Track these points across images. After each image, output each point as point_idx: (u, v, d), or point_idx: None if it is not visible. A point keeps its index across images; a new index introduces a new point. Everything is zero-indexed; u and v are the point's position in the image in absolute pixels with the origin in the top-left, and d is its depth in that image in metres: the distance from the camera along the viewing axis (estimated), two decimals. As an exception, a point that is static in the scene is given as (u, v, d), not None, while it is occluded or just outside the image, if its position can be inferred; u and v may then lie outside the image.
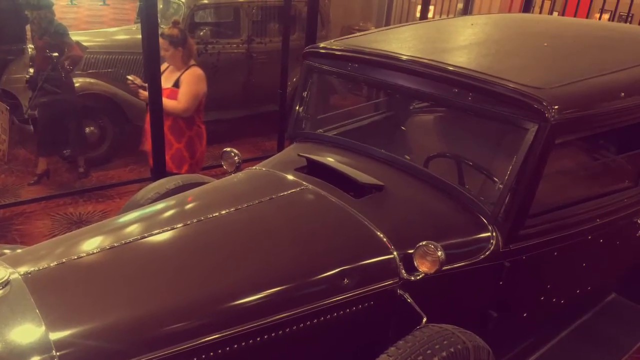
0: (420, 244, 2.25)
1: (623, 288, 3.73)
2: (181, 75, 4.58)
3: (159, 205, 2.66)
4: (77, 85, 5.98)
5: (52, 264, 2.07)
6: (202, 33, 7.08)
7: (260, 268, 2.23)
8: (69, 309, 1.95)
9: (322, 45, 3.27)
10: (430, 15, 7.73)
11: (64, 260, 2.10)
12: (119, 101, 6.36)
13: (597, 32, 3.70)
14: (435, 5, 9.60)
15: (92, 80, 6.26)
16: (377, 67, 2.97)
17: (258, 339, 2.07)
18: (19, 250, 2.34)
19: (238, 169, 3.08)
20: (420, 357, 2.02)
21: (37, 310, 1.87)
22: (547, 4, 8.57)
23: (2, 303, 1.89)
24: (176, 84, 4.55)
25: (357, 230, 2.44)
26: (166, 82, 4.52)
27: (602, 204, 2.96)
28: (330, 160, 2.88)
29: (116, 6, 17.49)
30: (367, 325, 2.37)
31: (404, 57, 2.89)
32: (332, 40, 3.38)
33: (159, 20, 4.53)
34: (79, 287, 2.05)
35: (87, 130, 6.29)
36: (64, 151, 6.11)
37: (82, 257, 2.13)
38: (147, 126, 4.49)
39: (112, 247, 2.20)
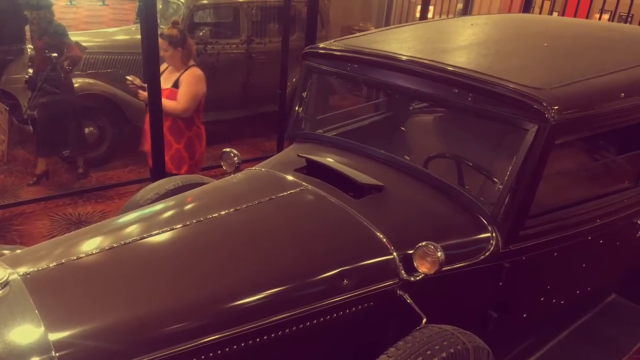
0: (420, 244, 2.24)
1: (623, 289, 3.72)
2: (180, 75, 4.58)
3: (159, 206, 2.66)
4: (76, 85, 5.97)
5: (51, 265, 2.07)
6: (201, 33, 7.06)
7: (259, 269, 2.23)
8: (69, 309, 1.95)
9: (321, 45, 3.27)
10: (430, 15, 7.73)
11: (63, 260, 2.10)
12: (119, 102, 6.35)
13: (597, 33, 3.70)
14: (435, 6, 9.60)
15: (91, 81, 6.26)
16: (376, 67, 2.97)
17: (258, 339, 2.07)
18: (18, 251, 2.34)
19: (237, 169, 3.08)
20: (420, 358, 2.01)
21: (37, 311, 1.87)
22: (547, 4, 8.57)
23: (2, 304, 1.88)
24: (175, 85, 4.55)
25: (356, 230, 2.44)
26: (165, 82, 4.51)
27: (602, 205, 2.95)
28: (329, 160, 2.87)
29: (115, 6, 17.48)
30: (366, 326, 2.37)
31: (404, 58, 2.89)
32: (331, 41, 3.37)
33: (159, 21, 4.52)
34: (79, 288, 2.04)
35: (87, 130, 6.28)
36: (63, 152, 6.10)
37: (81, 257, 2.13)
38: (147, 127, 4.48)
39: (111, 248, 2.19)
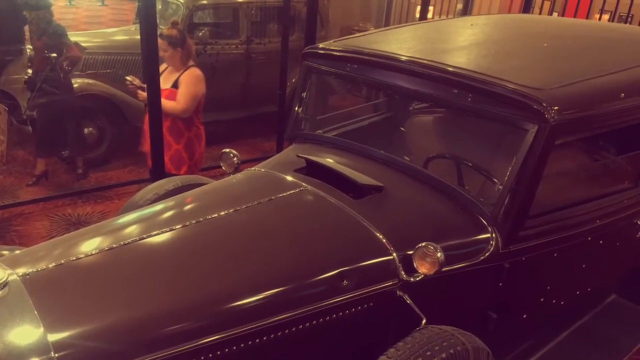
0: (420, 245, 2.24)
1: (623, 289, 3.72)
2: (180, 76, 4.57)
3: (158, 207, 2.65)
4: (75, 86, 5.97)
5: (50, 265, 2.07)
6: (201, 34, 7.06)
7: (259, 269, 2.23)
8: (68, 310, 1.94)
9: (321, 45, 3.27)
10: (429, 15, 7.73)
11: (62, 261, 2.09)
12: (118, 102, 6.35)
13: (597, 33, 3.70)
14: (434, 6, 9.60)
15: (90, 81, 6.25)
16: (376, 67, 2.97)
17: (257, 340, 2.07)
18: (17, 252, 2.33)
19: (237, 170, 3.07)
20: (420, 359, 2.01)
21: (36, 312, 1.87)
22: (546, 5, 8.58)
23: (1, 304, 1.88)
24: (175, 85, 4.55)
25: (356, 231, 2.44)
26: (165, 82, 4.51)
27: (602, 205, 2.95)
28: (329, 161, 2.87)
29: (115, 7, 17.48)
30: (366, 327, 2.37)
31: (403, 58, 2.88)
32: (331, 41, 3.37)
33: (158, 21, 4.52)
34: (78, 288, 2.04)
35: (86, 131, 6.28)
36: (63, 152, 6.10)
37: (80, 258, 2.13)
38: (146, 127, 4.48)
39: (110, 248, 2.19)
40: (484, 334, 2.39)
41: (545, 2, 8.59)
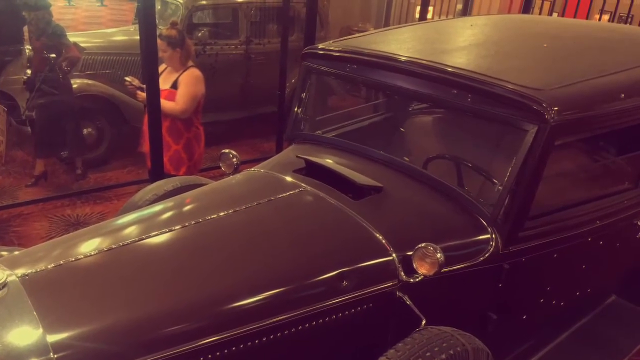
0: (419, 245, 2.24)
1: (623, 290, 3.72)
2: (179, 76, 4.57)
3: (157, 207, 2.65)
4: (74, 86, 5.96)
5: (49, 266, 2.06)
6: (200, 34, 7.06)
7: (258, 270, 2.23)
8: (67, 311, 1.94)
9: (320, 46, 3.26)
10: (429, 16, 7.72)
11: (61, 262, 2.09)
12: (117, 102, 6.35)
13: (597, 33, 3.69)
14: (434, 6, 9.61)
15: (89, 82, 6.25)
16: (375, 68, 2.96)
17: (256, 341, 2.07)
18: (16, 252, 2.33)
19: (236, 170, 3.07)
20: (420, 360, 2.01)
21: (35, 313, 1.86)
22: (546, 5, 8.58)
23: (0, 305, 1.88)
24: (174, 85, 4.54)
25: (355, 232, 2.43)
26: (164, 83, 4.51)
27: (602, 206, 2.95)
28: (328, 161, 2.87)
29: (114, 7, 17.50)
30: (366, 328, 2.36)
31: (403, 58, 2.88)
32: (330, 42, 3.37)
33: (157, 21, 4.52)
34: (77, 289, 2.04)
35: (85, 131, 6.28)
36: (62, 153, 6.10)
37: (79, 259, 2.13)
38: (145, 127, 4.48)
39: (110, 249, 2.19)
40: (484, 334, 2.39)
41: (545, 2, 8.59)
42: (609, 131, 2.89)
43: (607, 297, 3.73)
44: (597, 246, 3.01)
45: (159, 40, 4.26)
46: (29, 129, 6.13)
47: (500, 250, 2.52)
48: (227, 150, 3.11)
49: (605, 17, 7.27)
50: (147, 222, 2.48)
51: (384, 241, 2.38)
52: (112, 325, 1.91)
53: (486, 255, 2.50)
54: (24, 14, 6.05)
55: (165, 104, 4.38)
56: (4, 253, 2.40)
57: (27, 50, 6.00)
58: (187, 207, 2.61)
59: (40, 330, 1.81)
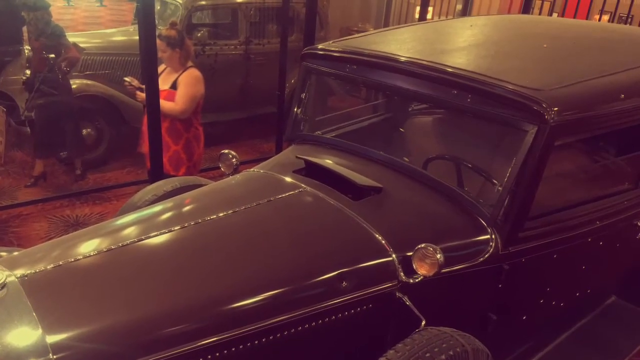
0: (419, 246, 2.24)
1: (623, 291, 3.72)
2: (179, 76, 4.57)
3: (157, 208, 2.65)
4: (74, 86, 5.97)
5: (49, 267, 2.06)
6: (199, 34, 7.05)
7: (258, 270, 2.22)
8: (66, 311, 1.94)
9: (320, 46, 3.26)
10: (429, 16, 7.72)
11: (60, 262, 2.09)
12: (116, 103, 6.35)
13: (597, 34, 3.69)
14: (434, 7, 9.61)
15: (89, 82, 6.25)
16: (375, 68, 2.96)
17: (256, 342, 2.06)
18: (15, 253, 2.33)
19: (236, 171, 3.07)
20: (420, 360, 2.01)
21: (34, 313, 1.86)
22: (546, 5, 8.58)
23: (-1, 306, 1.88)
24: (174, 86, 4.54)
25: (355, 232, 2.43)
26: (163, 83, 4.50)
27: (601, 206, 2.94)
28: (328, 162, 2.87)
29: (113, 7, 17.50)
30: (365, 328, 2.36)
31: (403, 59, 2.88)
32: (330, 42, 3.36)
33: (157, 22, 4.52)
34: (76, 290, 2.04)
35: (84, 132, 6.28)
36: (61, 153, 6.10)
37: (79, 259, 2.12)
38: (145, 128, 4.48)
39: (109, 250, 2.19)
40: (484, 335, 2.39)
41: (545, 2, 8.59)
42: (609, 131, 2.89)
43: (607, 298, 3.72)
44: (597, 247, 3.01)
45: (158, 41, 4.26)
46: (28, 129, 6.13)
47: (500, 250, 2.51)
48: (226, 151, 3.11)
49: (605, 17, 7.27)
50: (146, 222, 2.48)
51: (383, 242, 2.38)
52: (111, 326, 1.91)
53: (486, 255, 2.50)
54: (23, 15, 6.04)
55: (165, 104, 4.38)
56: (4, 254, 2.39)
57: (26, 51, 6.00)
58: (187, 208, 2.61)
59: (40, 330, 1.81)
